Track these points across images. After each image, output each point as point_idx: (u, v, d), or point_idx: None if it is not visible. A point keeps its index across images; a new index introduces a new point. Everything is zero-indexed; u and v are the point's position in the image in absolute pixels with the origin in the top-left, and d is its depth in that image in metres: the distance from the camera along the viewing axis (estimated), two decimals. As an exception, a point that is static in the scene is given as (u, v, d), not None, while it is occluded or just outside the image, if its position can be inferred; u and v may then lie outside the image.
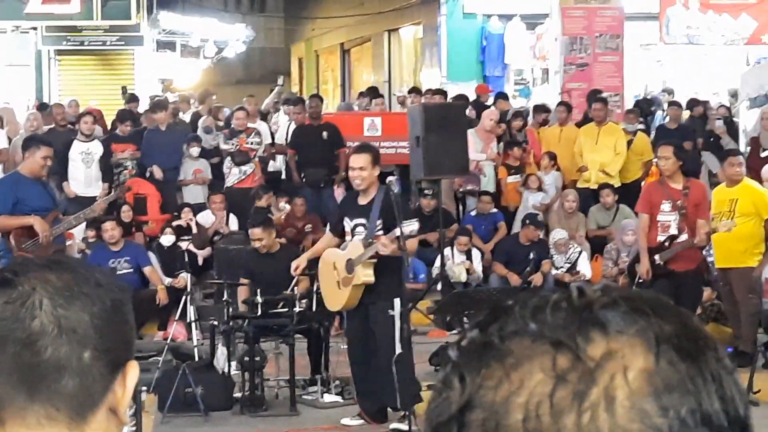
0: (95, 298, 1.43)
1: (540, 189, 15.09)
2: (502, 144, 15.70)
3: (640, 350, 0.91)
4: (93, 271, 1.47)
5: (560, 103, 16.82)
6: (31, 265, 1.46)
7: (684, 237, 10.34)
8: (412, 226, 8.84)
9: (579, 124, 16.17)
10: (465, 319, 12.06)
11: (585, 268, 13.93)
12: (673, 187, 10.37)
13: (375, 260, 8.81)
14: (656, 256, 10.42)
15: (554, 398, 0.90)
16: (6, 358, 1.40)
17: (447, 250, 13.89)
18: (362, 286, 8.90)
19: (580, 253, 13.98)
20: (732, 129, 15.56)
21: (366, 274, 8.85)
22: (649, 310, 0.93)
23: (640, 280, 10.55)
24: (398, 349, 8.75)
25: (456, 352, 0.95)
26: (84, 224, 12.63)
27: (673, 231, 10.38)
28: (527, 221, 13.90)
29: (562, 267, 13.92)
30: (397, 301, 8.81)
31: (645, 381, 0.90)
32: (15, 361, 1.39)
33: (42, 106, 18.58)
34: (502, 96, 18.01)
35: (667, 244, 10.39)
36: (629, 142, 15.68)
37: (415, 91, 18.08)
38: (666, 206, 10.38)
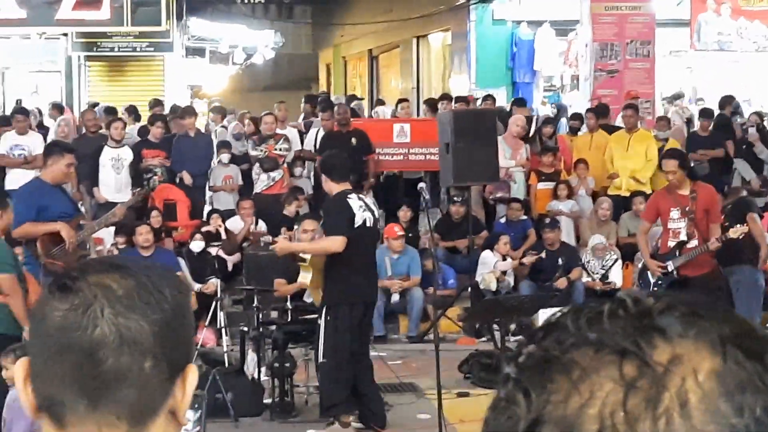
0: (155, 305, 1.42)
1: (569, 197, 15.00)
2: (528, 146, 15.60)
3: (705, 353, 0.91)
4: (152, 275, 1.45)
5: (589, 110, 16.73)
6: (90, 270, 1.44)
7: (694, 243, 10.35)
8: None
9: (609, 131, 16.08)
10: (495, 326, 11.99)
11: (617, 276, 13.86)
12: (681, 194, 10.44)
13: (304, 262, 9.12)
14: (669, 263, 10.43)
15: (627, 406, 0.89)
16: (67, 367, 1.39)
17: (487, 253, 13.82)
18: (312, 288, 9.30)
19: (615, 260, 13.90)
20: (765, 136, 15.46)
21: (303, 276, 9.25)
22: (704, 313, 0.94)
23: (659, 282, 10.53)
24: (321, 358, 9.05)
25: (514, 369, 0.95)
26: (113, 230, 12.66)
27: (683, 237, 10.39)
28: (544, 226, 13.99)
29: (597, 273, 13.85)
30: (324, 309, 8.98)
31: (716, 382, 0.90)
32: (76, 371, 1.39)
33: (58, 108, 18.75)
34: (518, 102, 17.86)
35: (677, 251, 10.41)
36: (660, 149, 15.58)
37: (446, 97, 18.02)
38: (675, 213, 10.44)
